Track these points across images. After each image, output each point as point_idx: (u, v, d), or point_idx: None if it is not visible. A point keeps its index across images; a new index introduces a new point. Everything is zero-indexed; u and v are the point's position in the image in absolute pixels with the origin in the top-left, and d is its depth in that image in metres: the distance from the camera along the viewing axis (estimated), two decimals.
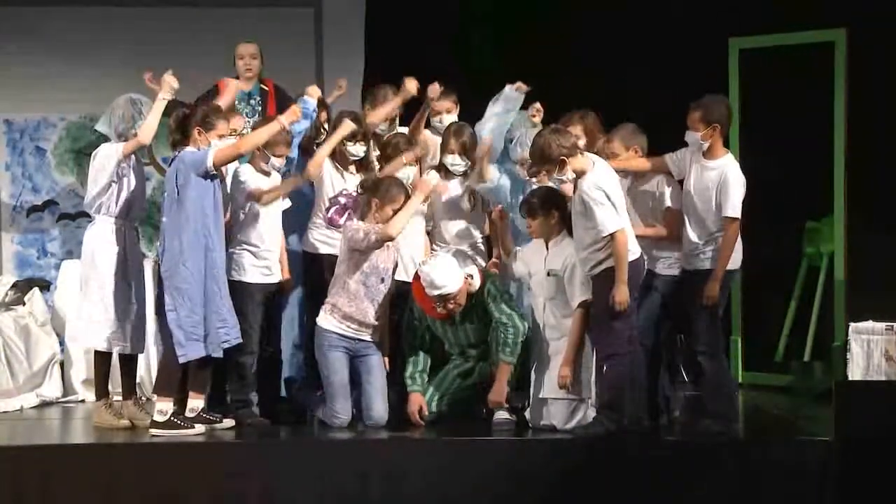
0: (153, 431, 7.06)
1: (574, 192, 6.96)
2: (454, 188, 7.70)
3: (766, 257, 8.98)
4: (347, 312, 7.30)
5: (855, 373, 7.84)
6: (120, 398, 7.53)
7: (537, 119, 7.71)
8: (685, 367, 7.39)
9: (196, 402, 7.14)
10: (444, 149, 7.69)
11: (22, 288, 8.78)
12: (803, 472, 6.72)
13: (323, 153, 7.53)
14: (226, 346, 7.09)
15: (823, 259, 8.96)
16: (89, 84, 9.80)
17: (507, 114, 7.68)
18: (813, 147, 8.75)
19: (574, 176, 6.89)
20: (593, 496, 6.76)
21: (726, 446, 6.89)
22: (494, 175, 7.58)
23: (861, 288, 8.41)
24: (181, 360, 7.03)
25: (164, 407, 7.08)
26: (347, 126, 7.52)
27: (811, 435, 7.04)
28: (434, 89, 7.82)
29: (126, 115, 7.32)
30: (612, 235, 6.76)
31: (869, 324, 7.90)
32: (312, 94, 7.70)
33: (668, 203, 7.19)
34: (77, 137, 9.97)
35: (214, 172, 7.05)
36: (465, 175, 7.69)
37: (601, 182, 6.83)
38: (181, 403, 7.25)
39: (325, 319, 7.35)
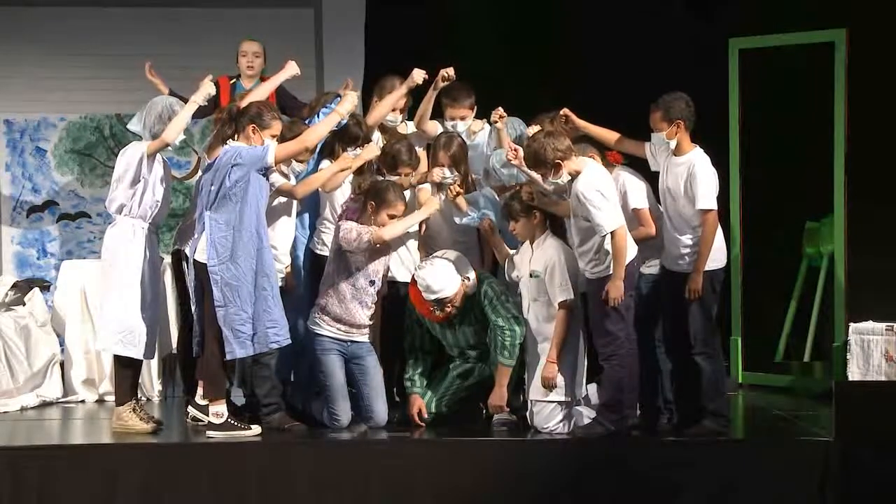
0: (210, 434, 7.05)
1: (569, 193, 6.97)
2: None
3: (766, 257, 8.98)
4: (337, 314, 7.29)
5: (855, 373, 7.84)
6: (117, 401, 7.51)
7: (500, 124, 7.66)
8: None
9: (219, 408, 7.09)
10: (434, 161, 7.66)
11: (22, 288, 8.78)
12: (803, 472, 6.73)
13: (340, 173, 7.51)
14: (274, 346, 7.05)
15: (823, 259, 8.97)
16: (89, 84, 9.82)
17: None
18: (813, 147, 8.75)
19: (569, 178, 6.90)
20: (593, 496, 6.76)
21: (726, 446, 6.90)
22: (468, 203, 7.54)
23: (861, 288, 8.41)
24: (228, 357, 6.99)
25: (219, 409, 7.06)
26: (370, 151, 7.51)
27: (811, 435, 7.04)
28: (450, 72, 7.71)
29: (164, 116, 7.15)
30: (611, 234, 6.77)
31: (869, 324, 7.90)
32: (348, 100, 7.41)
33: (632, 204, 7.16)
34: (77, 137, 9.98)
35: (274, 169, 7.05)
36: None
37: (596, 182, 6.84)
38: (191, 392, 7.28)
39: (316, 323, 7.34)
